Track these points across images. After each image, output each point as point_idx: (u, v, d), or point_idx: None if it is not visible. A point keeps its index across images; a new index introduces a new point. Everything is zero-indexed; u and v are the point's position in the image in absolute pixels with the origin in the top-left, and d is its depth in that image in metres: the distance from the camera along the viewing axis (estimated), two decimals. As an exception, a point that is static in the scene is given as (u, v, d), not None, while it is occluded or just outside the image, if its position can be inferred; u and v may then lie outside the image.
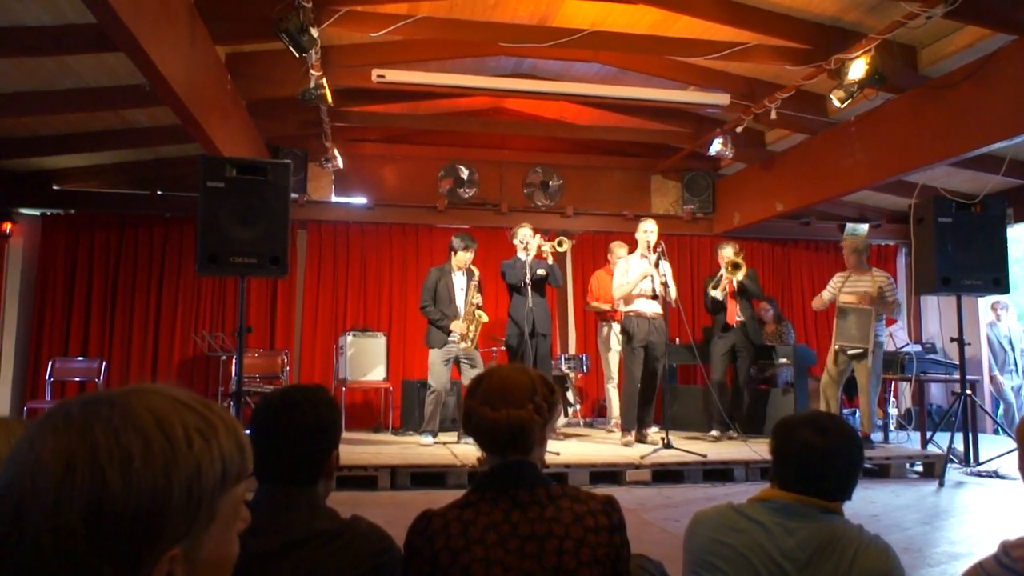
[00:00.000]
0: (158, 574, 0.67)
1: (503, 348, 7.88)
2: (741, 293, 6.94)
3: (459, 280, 6.51)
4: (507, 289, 6.67)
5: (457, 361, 6.45)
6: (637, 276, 6.25)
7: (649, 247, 6.28)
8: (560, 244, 6.84)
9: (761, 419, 7.11)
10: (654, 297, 6.15)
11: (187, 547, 0.69)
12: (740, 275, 6.83)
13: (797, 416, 1.71)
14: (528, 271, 6.28)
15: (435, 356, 6.37)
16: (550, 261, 6.62)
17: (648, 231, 6.32)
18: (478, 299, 6.47)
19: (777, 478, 1.66)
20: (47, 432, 0.68)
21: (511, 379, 1.61)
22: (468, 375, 6.40)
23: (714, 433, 6.75)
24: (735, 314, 6.94)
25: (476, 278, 6.51)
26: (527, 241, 6.46)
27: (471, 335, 6.38)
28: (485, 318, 6.48)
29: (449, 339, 6.36)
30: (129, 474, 0.65)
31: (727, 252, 7.01)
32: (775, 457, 1.68)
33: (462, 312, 6.40)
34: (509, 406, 1.55)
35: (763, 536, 1.56)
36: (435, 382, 6.34)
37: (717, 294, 6.94)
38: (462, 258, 6.46)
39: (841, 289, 6.39)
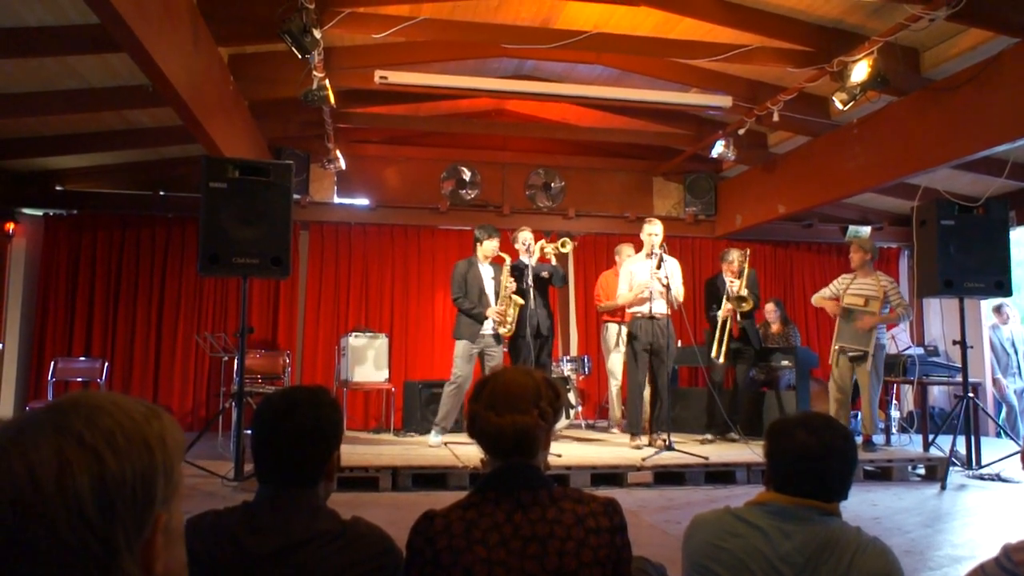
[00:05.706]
0: (158, 540, 0.76)
1: (505, 349, 7.89)
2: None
3: (486, 270, 6.39)
4: None
5: (481, 354, 6.33)
6: (631, 296, 6.23)
7: (653, 250, 6.24)
8: (563, 245, 6.80)
9: (759, 421, 7.08)
10: (651, 319, 6.11)
11: (166, 515, 0.77)
12: (745, 307, 6.65)
13: (790, 418, 1.69)
14: (531, 273, 6.26)
15: (462, 348, 6.24)
16: (553, 262, 6.62)
17: (653, 234, 6.23)
18: (512, 284, 6.36)
19: (773, 481, 1.65)
20: (24, 435, 0.73)
21: (516, 383, 1.59)
22: (489, 368, 6.27)
23: (707, 436, 6.71)
24: (736, 326, 6.86)
25: (508, 264, 6.38)
26: (529, 244, 6.43)
27: (510, 319, 6.28)
28: (521, 301, 6.32)
29: (481, 331, 6.24)
30: (117, 449, 0.74)
31: (734, 265, 6.81)
32: (770, 460, 1.67)
33: (493, 302, 6.31)
34: (514, 412, 1.54)
35: (761, 540, 1.55)
36: (459, 373, 6.17)
37: (719, 315, 6.77)
38: (489, 247, 6.37)
39: (846, 291, 6.38)
